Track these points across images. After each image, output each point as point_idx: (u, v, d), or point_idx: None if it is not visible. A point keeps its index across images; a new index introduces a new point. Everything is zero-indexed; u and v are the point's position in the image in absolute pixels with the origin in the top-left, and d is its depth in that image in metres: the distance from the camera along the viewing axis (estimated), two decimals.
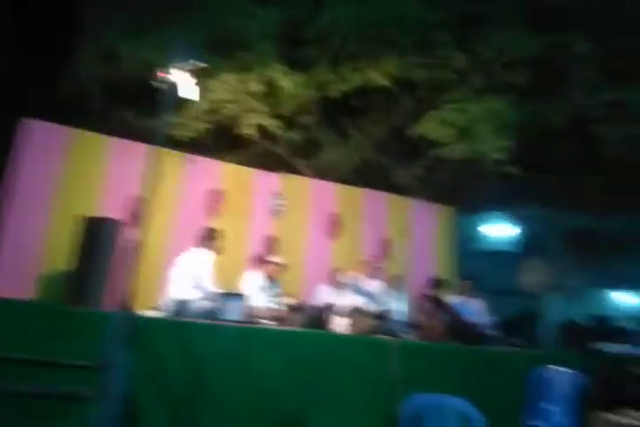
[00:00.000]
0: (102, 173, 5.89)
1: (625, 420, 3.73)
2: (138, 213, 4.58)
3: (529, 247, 12.22)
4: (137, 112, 7.69)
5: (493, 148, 6.91)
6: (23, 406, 2.84)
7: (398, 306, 4.95)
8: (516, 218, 12.45)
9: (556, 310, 10.96)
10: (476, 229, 13.48)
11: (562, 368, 4.50)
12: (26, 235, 5.30)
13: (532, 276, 9.66)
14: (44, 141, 5.66)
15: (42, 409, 2.83)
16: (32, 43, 8.32)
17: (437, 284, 5.79)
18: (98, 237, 4.14)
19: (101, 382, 2.53)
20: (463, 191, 9.12)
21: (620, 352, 5.22)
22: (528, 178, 7.94)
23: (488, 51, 7.13)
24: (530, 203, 10.44)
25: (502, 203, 10.80)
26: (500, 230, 13.16)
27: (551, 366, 4.56)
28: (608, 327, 7.44)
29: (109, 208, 5.59)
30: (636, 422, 3.60)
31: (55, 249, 5.18)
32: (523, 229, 12.76)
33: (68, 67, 7.72)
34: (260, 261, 5.52)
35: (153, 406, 3.14)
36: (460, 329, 5.29)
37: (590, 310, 10.58)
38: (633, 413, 3.75)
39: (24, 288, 4.99)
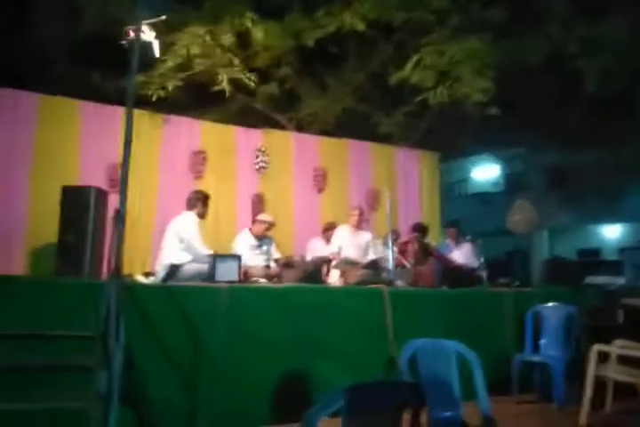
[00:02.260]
0: (78, 139, 5.70)
1: (621, 351, 3.85)
2: (119, 179, 4.48)
3: (513, 187, 12.31)
4: (103, 73, 7.35)
5: (475, 89, 6.77)
6: (28, 379, 2.88)
7: (388, 254, 5.00)
8: (500, 159, 12.47)
9: (543, 248, 11.19)
10: (461, 174, 13.52)
11: (552, 303, 4.65)
12: (9, 209, 5.18)
13: (519, 215, 9.76)
14: (14, 110, 5.42)
15: (46, 382, 2.88)
16: None
17: (422, 229, 5.84)
18: (80, 207, 4.05)
19: (101, 350, 2.56)
20: (447, 136, 9.04)
21: (608, 284, 5.37)
22: (509, 117, 7.86)
23: None
24: (511, 142, 10.41)
25: (485, 145, 10.75)
26: (485, 173, 13.22)
27: (542, 302, 4.70)
28: (595, 261, 7.64)
29: (90, 175, 5.47)
30: (632, 353, 3.73)
31: (40, 221, 5.09)
32: (506, 169, 12.82)
33: (24, 27, 7.26)
34: (249, 220, 5.49)
35: (153, 370, 3.21)
36: (450, 272, 5.41)
37: (577, 245, 10.81)
38: (625, 343, 3.89)
39: (14, 263, 4.95)
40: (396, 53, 7.74)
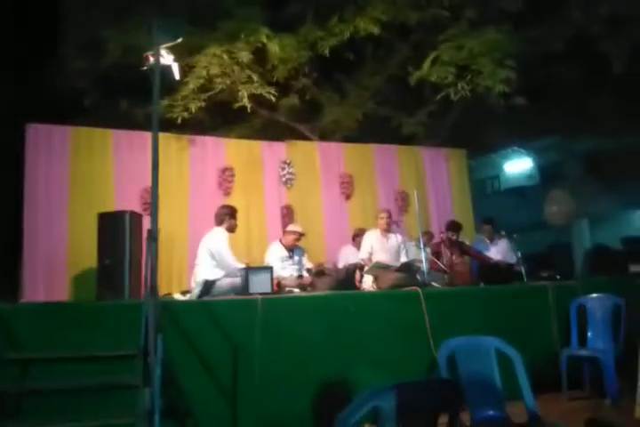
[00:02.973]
0: (111, 166, 5.94)
1: None
2: (151, 202, 4.64)
3: (549, 178, 11.96)
4: (130, 100, 7.63)
5: (497, 81, 6.66)
6: (78, 399, 3.01)
7: (422, 256, 4.96)
8: (532, 150, 12.13)
9: (585, 238, 10.77)
10: (493, 169, 13.25)
11: (596, 295, 4.49)
12: (51, 238, 5.44)
13: (556, 206, 9.44)
14: (48, 143, 5.71)
15: (95, 401, 3.01)
16: (15, 42, 8.25)
17: (455, 227, 5.75)
18: (116, 231, 4.23)
19: (143, 368, 2.66)
20: (474, 132, 8.90)
21: None
22: (537, 107, 7.67)
23: None
24: (543, 133, 10.12)
25: (515, 137, 10.49)
26: (518, 166, 12.90)
27: (586, 295, 4.55)
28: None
29: (126, 201, 5.68)
30: None
31: (80, 247, 5.33)
32: (539, 160, 12.45)
33: (53, 63, 7.65)
34: (280, 232, 5.56)
35: (194, 382, 3.29)
36: (487, 270, 5.30)
37: (620, 233, 10.33)
38: None
39: (58, 289, 5.18)
40: (414, 53, 7.72)
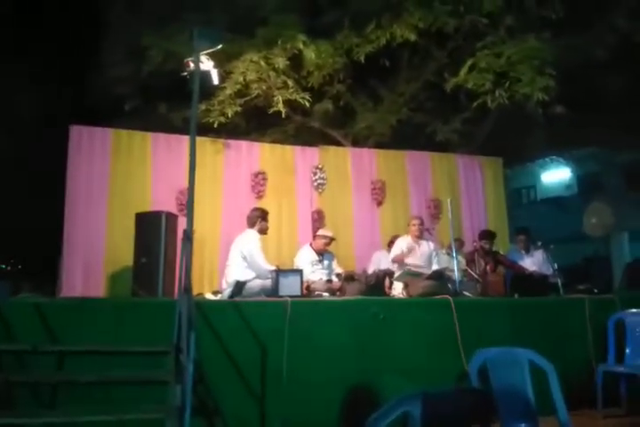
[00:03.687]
0: (149, 167, 6.10)
1: None
2: (187, 203, 4.74)
3: (588, 189, 11.64)
4: (169, 105, 7.83)
5: (536, 88, 6.54)
6: (110, 393, 3.08)
7: (454, 264, 4.89)
8: (570, 160, 11.84)
9: (624, 252, 10.39)
10: (530, 179, 12.99)
11: (636, 310, 4.33)
12: (90, 235, 5.63)
13: (595, 218, 9.15)
14: (93, 145, 5.91)
15: (127, 395, 3.07)
16: (59, 47, 8.61)
17: (489, 236, 5.64)
18: (152, 231, 4.33)
19: (174, 364, 2.70)
20: (511, 141, 8.75)
21: None
22: (576, 116, 7.49)
23: None
24: (582, 142, 9.86)
25: (554, 147, 10.26)
26: (556, 176, 12.61)
27: (624, 309, 4.40)
28: None
29: (162, 201, 5.81)
30: None
31: (117, 245, 5.48)
32: (578, 170, 12.15)
33: (97, 70, 7.94)
34: (310, 236, 5.58)
35: (223, 381, 3.32)
36: (521, 281, 5.18)
37: None
38: None
39: (94, 285, 5.34)
40: (451, 60, 7.67)
